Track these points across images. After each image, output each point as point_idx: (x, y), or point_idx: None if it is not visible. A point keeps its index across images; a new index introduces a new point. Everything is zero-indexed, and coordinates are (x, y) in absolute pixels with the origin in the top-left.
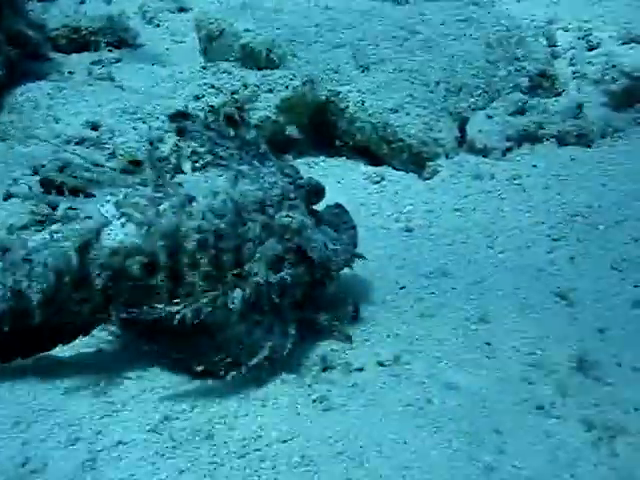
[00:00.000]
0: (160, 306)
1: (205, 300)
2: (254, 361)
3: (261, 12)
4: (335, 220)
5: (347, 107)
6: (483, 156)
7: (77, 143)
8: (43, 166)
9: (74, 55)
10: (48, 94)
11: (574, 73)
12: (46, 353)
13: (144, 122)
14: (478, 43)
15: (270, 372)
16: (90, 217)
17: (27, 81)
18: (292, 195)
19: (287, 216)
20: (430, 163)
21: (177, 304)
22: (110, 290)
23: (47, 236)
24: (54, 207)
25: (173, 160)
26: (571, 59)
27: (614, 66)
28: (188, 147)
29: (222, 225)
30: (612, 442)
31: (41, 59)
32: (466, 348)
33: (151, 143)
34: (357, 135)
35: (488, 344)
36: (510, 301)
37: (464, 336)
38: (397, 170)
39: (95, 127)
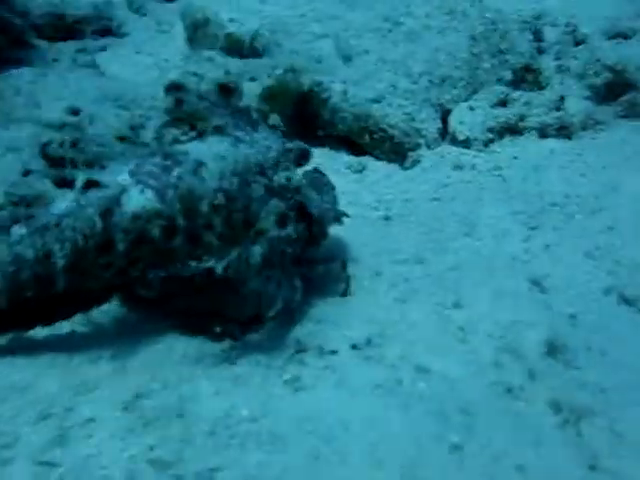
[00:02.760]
0: (193, 263)
1: (234, 255)
2: (272, 313)
3: (247, 2)
4: (316, 182)
5: (330, 97)
6: (465, 147)
7: (58, 128)
8: (46, 145)
9: (59, 43)
10: (30, 80)
11: (558, 67)
12: (25, 332)
13: (126, 109)
14: (462, 36)
15: (243, 354)
16: (108, 186)
17: (10, 68)
18: (284, 158)
19: (285, 176)
20: (411, 153)
21: (207, 260)
22: (132, 254)
23: (72, 203)
24: (71, 180)
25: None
26: (556, 53)
27: (598, 60)
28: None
29: (232, 187)
30: (578, 423)
31: (25, 46)
32: (439, 332)
33: (133, 129)
34: (339, 125)
35: (460, 329)
36: (484, 287)
37: (437, 321)
38: (379, 160)
39: (76, 112)
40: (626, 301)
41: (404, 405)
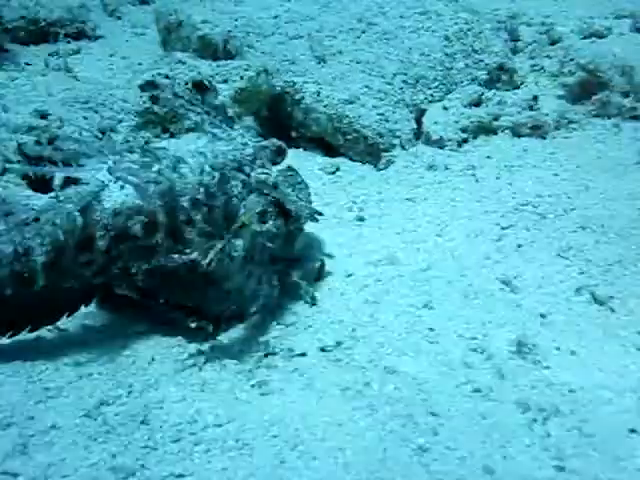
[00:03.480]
0: (176, 256)
1: (218, 247)
2: (253, 308)
3: (220, 4)
4: (290, 180)
5: (303, 98)
6: (439, 147)
7: (25, 132)
8: (23, 143)
9: (32, 46)
10: (0, 84)
11: (533, 67)
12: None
13: (96, 112)
14: (436, 36)
15: (211, 358)
16: (87, 183)
17: None
18: (260, 154)
19: (263, 173)
20: (385, 154)
21: (190, 253)
22: (113, 251)
23: (51, 199)
24: (49, 178)
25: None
26: (531, 53)
27: (572, 59)
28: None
29: (212, 183)
30: (545, 423)
31: None
32: (409, 334)
33: (103, 133)
34: (313, 126)
35: (431, 329)
36: (455, 288)
37: (407, 322)
38: (353, 161)
39: (44, 116)
40: (597, 301)
41: (371, 408)
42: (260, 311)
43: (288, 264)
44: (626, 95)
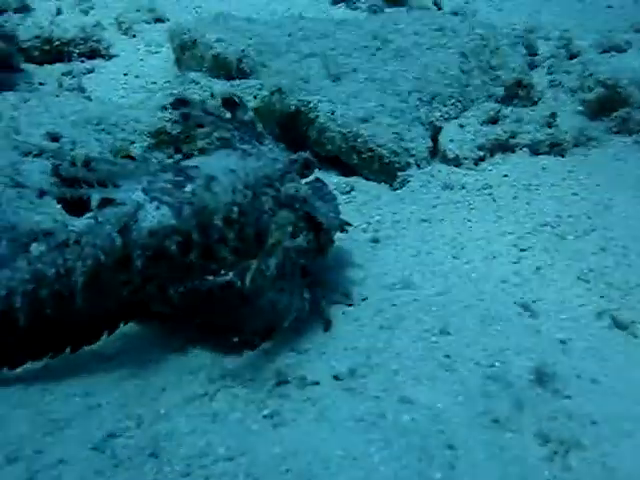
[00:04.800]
0: (210, 277)
1: (254, 267)
2: (286, 323)
3: (235, 22)
4: (319, 192)
5: (317, 117)
6: (455, 166)
7: (36, 155)
8: (58, 165)
9: (46, 66)
10: (12, 105)
11: (551, 82)
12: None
13: (108, 133)
14: (452, 52)
15: (222, 388)
16: (124, 203)
17: None
18: (290, 169)
19: (292, 187)
20: (401, 173)
21: (225, 274)
22: (149, 270)
23: (90, 220)
24: (87, 199)
25: None
26: (549, 68)
27: (591, 75)
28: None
29: (244, 200)
30: (566, 456)
31: (12, 70)
32: (424, 361)
33: (114, 154)
34: (327, 145)
35: (447, 356)
36: (472, 312)
37: (423, 349)
38: (368, 180)
39: (56, 138)
40: (619, 325)
41: (386, 440)
42: (292, 324)
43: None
44: None
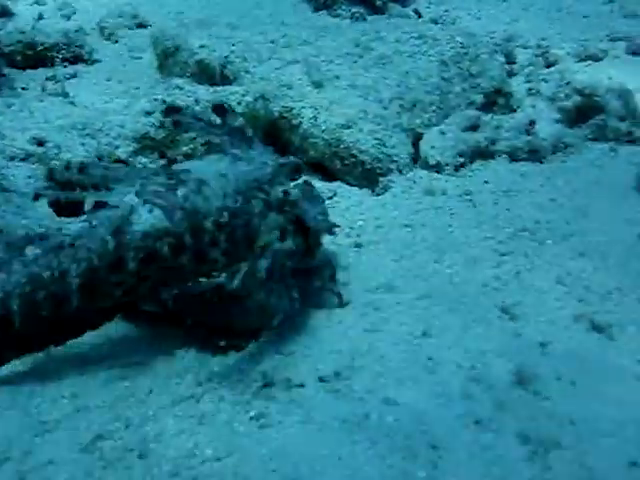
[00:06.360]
0: (203, 279)
1: (244, 270)
2: (275, 323)
3: (218, 28)
4: (307, 195)
5: (300, 123)
6: (436, 172)
7: (22, 159)
8: (52, 169)
9: (29, 71)
10: None
11: (529, 90)
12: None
13: (93, 138)
14: (433, 60)
15: (209, 390)
16: (117, 206)
17: None
18: (279, 173)
19: (282, 191)
20: (383, 179)
21: (217, 276)
22: (142, 272)
23: (84, 223)
24: (80, 202)
25: None
26: (527, 76)
27: (568, 83)
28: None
29: (234, 204)
30: (546, 456)
31: None
32: (407, 363)
33: (100, 159)
34: (310, 151)
35: (430, 359)
36: (454, 316)
37: (406, 351)
38: (350, 186)
39: (41, 143)
40: (596, 328)
41: (371, 440)
42: (281, 325)
43: (306, 276)
44: (622, 119)
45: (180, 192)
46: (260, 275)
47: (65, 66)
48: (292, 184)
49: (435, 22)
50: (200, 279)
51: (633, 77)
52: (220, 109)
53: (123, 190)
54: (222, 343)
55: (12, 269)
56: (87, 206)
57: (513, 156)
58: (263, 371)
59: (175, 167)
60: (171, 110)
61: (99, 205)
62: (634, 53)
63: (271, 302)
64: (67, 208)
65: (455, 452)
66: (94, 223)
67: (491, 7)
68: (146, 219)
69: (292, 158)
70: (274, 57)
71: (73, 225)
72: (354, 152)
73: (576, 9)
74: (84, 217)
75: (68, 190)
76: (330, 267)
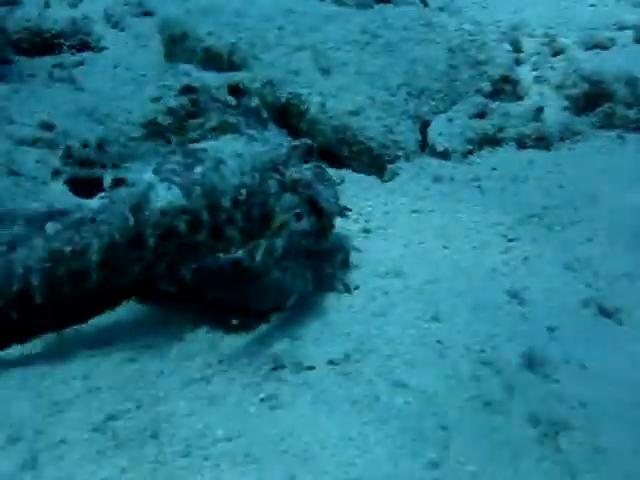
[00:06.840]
0: (222, 255)
1: (262, 247)
2: (290, 302)
3: (224, 15)
4: (320, 177)
5: (308, 109)
6: (444, 159)
7: (30, 144)
8: (70, 147)
9: (36, 58)
10: (4, 96)
11: (536, 78)
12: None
13: (101, 123)
14: (440, 47)
15: (219, 372)
16: (135, 184)
17: None
18: (293, 154)
19: (296, 172)
20: (390, 166)
21: (235, 253)
22: (160, 248)
23: (104, 200)
24: (99, 179)
25: None
26: (534, 64)
27: (575, 71)
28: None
29: (251, 183)
30: (556, 437)
31: (2, 62)
32: (417, 346)
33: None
34: (318, 137)
35: (439, 342)
36: (463, 300)
37: (415, 335)
38: (358, 172)
39: (49, 128)
40: (605, 313)
41: (381, 421)
42: (295, 304)
43: (319, 258)
44: (630, 106)
45: (197, 170)
46: (277, 253)
47: (72, 53)
48: (305, 166)
49: (441, 10)
50: (219, 254)
51: None
52: (236, 90)
53: (141, 168)
54: (235, 322)
55: (33, 244)
56: (106, 183)
57: (520, 143)
58: (273, 354)
59: (192, 146)
60: (188, 90)
61: (118, 182)
62: None
63: (287, 281)
64: (83, 187)
65: (465, 434)
66: (114, 199)
67: None
68: (164, 196)
69: (305, 140)
70: (282, 44)
71: (93, 202)
72: (362, 139)
73: None
74: (103, 194)
75: (86, 168)
76: (344, 251)
